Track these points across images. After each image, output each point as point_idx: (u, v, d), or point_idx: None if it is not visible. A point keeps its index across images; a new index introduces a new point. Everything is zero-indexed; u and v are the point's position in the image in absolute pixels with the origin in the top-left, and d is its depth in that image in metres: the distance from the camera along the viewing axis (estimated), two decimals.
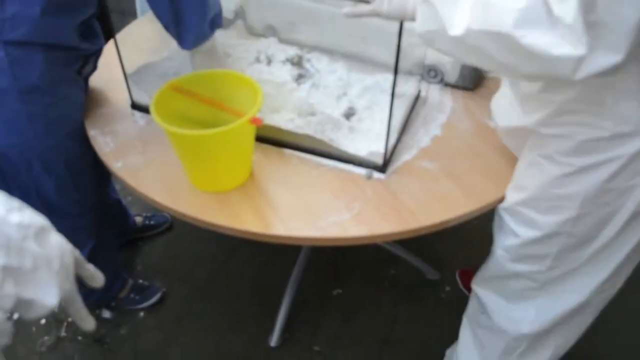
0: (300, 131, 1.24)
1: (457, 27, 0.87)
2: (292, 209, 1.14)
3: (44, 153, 1.29)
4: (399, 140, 1.29)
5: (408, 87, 1.38)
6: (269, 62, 1.35)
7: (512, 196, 1.14)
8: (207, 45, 1.28)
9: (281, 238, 1.11)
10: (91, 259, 0.71)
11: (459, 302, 1.96)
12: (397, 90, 1.35)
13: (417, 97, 1.42)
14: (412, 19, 0.96)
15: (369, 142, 1.22)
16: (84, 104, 1.40)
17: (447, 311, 1.95)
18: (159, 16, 1.23)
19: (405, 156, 1.26)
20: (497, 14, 0.82)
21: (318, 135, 1.23)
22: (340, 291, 1.99)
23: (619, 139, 0.94)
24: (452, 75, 1.45)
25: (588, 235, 1.08)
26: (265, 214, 1.13)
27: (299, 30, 1.60)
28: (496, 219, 1.23)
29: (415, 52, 1.37)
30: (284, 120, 1.26)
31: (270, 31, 1.63)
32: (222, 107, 1.18)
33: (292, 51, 1.37)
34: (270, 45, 1.42)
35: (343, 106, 1.27)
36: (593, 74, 0.80)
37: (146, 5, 1.27)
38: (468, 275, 1.87)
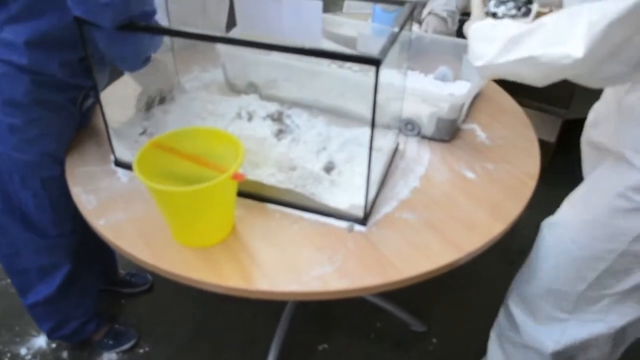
0: (282, 186, 1.25)
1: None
2: (275, 264, 1.15)
3: (20, 167, 1.38)
4: (379, 192, 1.31)
5: (386, 140, 1.41)
6: (250, 118, 1.38)
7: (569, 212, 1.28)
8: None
9: (264, 293, 1.11)
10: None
11: (446, 354, 1.95)
12: (375, 144, 1.38)
13: (395, 150, 1.45)
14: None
15: (349, 196, 1.24)
16: (70, 134, 1.46)
17: None
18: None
19: (385, 208, 1.28)
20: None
21: (299, 190, 1.25)
22: (326, 346, 1.97)
23: None
24: (429, 129, 1.48)
25: (629, 269, 1.20)
26: (248, 269, 1.14)
27: (280, 86, 1.64)
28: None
29: (392, 106, 1.42)
30: (266, 175, 1.28)
31: (251, 88, 1.67)
32: (205, 163, 1.20)
33: (273, 107, 1.41)
34: (251, 101, 1.46)
35: (323, 160, 1.30)
36: None
37: None
38: None
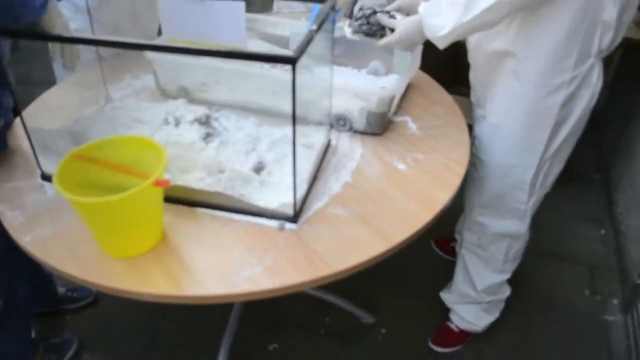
0: (211, 189, 1.24)
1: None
2: (205, 268, 1.14)
3: None
4: (310, 189, 1.31)
5: (318, 137, 1.42)
6: (177, 123, 1.36)
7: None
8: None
9: (194, 298, 1.09)
10: None
11: (394, 344, 1.98)
12: (305, 140, 1.39)
13: (327, 146, 1.45)
14: (422, 37, 1.35)
15: (279, 195, 1.24)
16: None
17: (385, 353, 1.95)
18: None
19: (317, 204, 1.28)
20: None
21: (228, 192, 1.24)
22: (276, 345, 1.97)
23: None
24: (360, 123, 1.49)
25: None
26: (177, 275, 1.12)
27: (211, 90, 1.63)
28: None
29: (322, 103, 1.42)
30: (195, 180, 1.27)
31: (183, 93, 1.65)
32: (130, 171, 1.18)
33: (201, 111, 1.39)
34: (179, 106, 1.44)
35: (252, 161, 1.29)
36: None
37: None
38: (445, 241, 2.33)
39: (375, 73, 1.70)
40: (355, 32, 1.45)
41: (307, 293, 2.04)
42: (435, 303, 2.03)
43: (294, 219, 1.22)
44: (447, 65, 2.07)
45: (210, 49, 1.04)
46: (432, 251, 2.37)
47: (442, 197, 1.31)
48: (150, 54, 1.60)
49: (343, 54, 1.71)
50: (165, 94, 1.68)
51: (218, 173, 1.28)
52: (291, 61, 0.98)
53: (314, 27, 1.10)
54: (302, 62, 1.60)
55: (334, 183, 1.34)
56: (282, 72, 1.58)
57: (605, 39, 1.33)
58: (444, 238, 2.30)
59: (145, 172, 1.15)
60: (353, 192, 1.32)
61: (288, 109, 1.52)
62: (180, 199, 1.28)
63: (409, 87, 1.75)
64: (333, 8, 1.25)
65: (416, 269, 2.28)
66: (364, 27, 1.42)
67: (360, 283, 2.16)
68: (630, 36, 2.24)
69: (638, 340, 1.91)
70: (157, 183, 1.07)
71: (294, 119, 1.07)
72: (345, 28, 1.46)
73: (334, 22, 1.31)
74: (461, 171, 1.39)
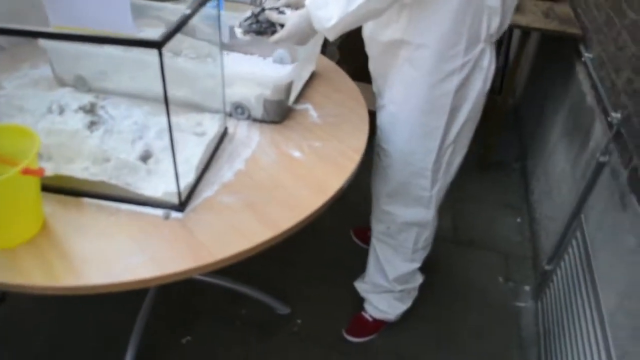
0: (95, 178, 1.21)
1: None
2: (85, 259, 1.10)
3: None
4: (201, 177, 1.29)
5: (212, 125, 1.40)
6: (62, 111, 1.32)
7: None
8: None
9: (69, 289, 1.06)
10: None
11: (310, 333, 1.98)
12: (198, 129, 1.37)
13: (224, 134, 1.43)
14: (313, 30, 1.34)
15: (166, 184, 1.21)
16: None
17: (300, 343, 1.95)
18: None
19: (206, 193, 1.26)
20: None
21: (113, 181, 1.21)
22: (189, 338, 1.94)
23: None
24: (257, 111, 1.48)
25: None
26: (55, 266, 1.09)
27: (110, 79, 1.58)
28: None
29: (221, 90, 1.40)
30: (79, 169, 1.23)
31: (80, 82, 1.60)
32: (3, 160, 1.13)
33: (86, 99, 1.35)
34: (64, 94, 1.39)
35: (138, 149, 1.26)
36: None
37: None
38: (362, 232, 2.31)
39: (281, 61, 1.69)
40: (246, 31, 1.43)
41: (222, 285, 2.02)
42: (352, 292, 2.04)
43: (180, 207, 1.20)
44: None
45: (72, 33, 1.01)
46: (350, 241, 2.39)
47: (335, 183, 1.31)
48: (43, 42, 1.55)
49: (249, 43, 1.69)
50: (62, 84, 1.62)
51: (104, 162, 1.24)
52: (156, 45, 0.96)
53: (188, 11, 1.07)
54: (183, 48, 1.57)
55: (226, 171, 1.32)
56: (171, 59, 1.56)
57: (492, 24, 1.35)
58: (362, 228, 2.31)
59: (20, 161, 1.11)
60: (245, 180, 1.31)
61: (178, 96, 1.50)
62: (65, 189, 1.24)
63: (313, 75, 1.74)
64: None
65: (334, 259, 2.29)
66: (254, 26, 1.41)
67: (277, 272, 2.17)
68: (544, 27, 2.29)
69: (546, 325, 1.97)
70: (27, 171, 1.03)
71: (167, 106, 1.05)
72: (235, 28, 1.44)
73: (219, 8, 1.29)
74: (357, 158, 1.39)
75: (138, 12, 1.74)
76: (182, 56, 1.65)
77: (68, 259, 1.10)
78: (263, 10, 1.40)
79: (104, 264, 1.09)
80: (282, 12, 1.39)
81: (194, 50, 1.67)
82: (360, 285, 2.01)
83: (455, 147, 1.57)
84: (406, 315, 1.99)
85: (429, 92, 1.44)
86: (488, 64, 1.43)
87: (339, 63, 2.92)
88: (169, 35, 0.99)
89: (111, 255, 1.11)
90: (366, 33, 1.53)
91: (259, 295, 2.03)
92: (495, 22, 1.36)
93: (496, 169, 2.91)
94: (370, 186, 1.79)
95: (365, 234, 2.31)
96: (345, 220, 2.43)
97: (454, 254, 2.37)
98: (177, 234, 1.16)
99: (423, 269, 1.90)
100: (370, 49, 1.56)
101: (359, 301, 2.03)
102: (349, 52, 2.64)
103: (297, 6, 1.43)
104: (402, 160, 1.59)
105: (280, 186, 1.30)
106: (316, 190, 1.29)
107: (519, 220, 2.58)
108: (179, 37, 1.66)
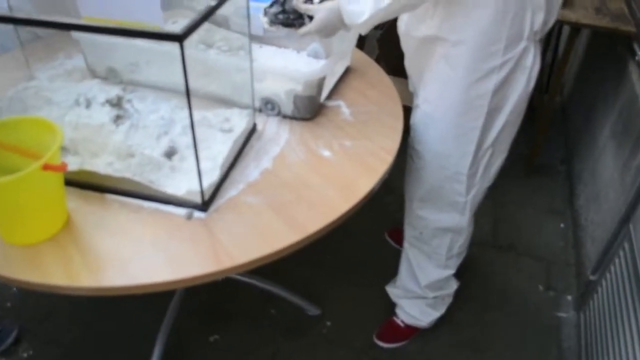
0: (118, 174, 1.18)
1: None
2: (106, 258, 1.08)
3: None
4: (226, 175, 1.25)
5: (240, 121, 1.36)
6: (89, 104, 1.29)
7: None
8: None
9: (88, 290, 1.03)
10: None
11: (339, 336, 1.93)
12: (226, 125, 1.33)
13: (252, 131, 1.39)
14: (343, 23, 1.28)
15: (190, 181, 1.17)
16: None
17: (329, 345, 1.91)
18: None
19: (231, 192, 1.22)
20: None
21: (136, 178, 1.18)
22: (217, 337, 1.91)
23: None
24: (288, 107, 1.43)
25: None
26: (75, 265, 1.06)
27: (141, 71, 1.56)
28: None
29: (251, 85, 1.36)
30: (103, 165, 1.21)
31: (112, 73, 1.58)
32: (28, 154, 1.11)
33: (113, 92, 1.32)
34: (92, 87, 1.37)
35: (163, 145, 1.23)
36: None
37: None
38: (397, 233, 2.14)
39: (316, 55, 1.63)
40: (272, 22, 1.37)
41: (252, 283, 1.99)
42: (384, 296, 1.98)
43: (203, 207, 1.16)
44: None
45: (91, 25, 0.98)
46: (384, 243, 2.32)
47: (364, 185, 1.25)
48: (75, 33, 1.53)
49: (284, 36, 1.64)
50: (95, 75, 1.62)
51: (128, 157, 1.21)
52: (178, 39, 0.92)
53: (213, 2, 1.03)
54: (215, 40, 1.52)
55: (252, 170, 1.28)
56: (202, 52, 1.53)
57: (537, 20, 1.27)
58: (397, 229, 2.24)
59: (42, 154, 1.09)
60: (272, 180, 1.26)
61: (207, 90, 1.46)
62: (89, 184, 1.22)
63: (348, 71, 1.68)
64: None
65: (367, 261, 2.22)
66: (281, 17, 1.35)
67: (308, 273, 2.12)
68: (595, 23, 2.17)
69: (589, 338, 1.86)
70: (47, 167, 1.00)
71: (189, 101, 1.01)
72: (261, 18, 1.38)
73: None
74: (389, 158, 1.33)
75: (171, 2, 1.72)
76: (215, 48, 1.62)
77: (88, 259, 1.08)
78: None
79: (123, 264, 1.07)
80: (309, 0, 1.33)
81: (226, 42, 1.63)
82: (391, 290, 1.94)
83: (494, 151, 1.49)
84: (440, 321, 1.92)
85: (465, 92, 1.36)
86: (532, 64, 1.34)
87: (379, 58, 2.87)
88: (191, 29, 0.95)
89: (131, 255, 1.08)
90: (401, 29, 1.46)
91: (288, 295, 1.98)
92: (540, 18, 1.27)
93: (541, 171, 2.79)
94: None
95: (399, 235, 2.23)
96: (379, 222, 2.36)
97: (493, 258, 2.27)
98: (199, 235, 1.12)
99: (459, 273, 1.83)
100: (406, 45, 1.49)
101: (391, 305, 1.96)
102: (388, 46, 2.56)
103: None
104: (435, 163, 1.51)
105: (308, 187, 1.25)
106: (345, 192, 1.23)
107: (562, 225, 2.47)
108: (211, 28, 1.65)
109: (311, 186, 1.25)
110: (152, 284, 1.04)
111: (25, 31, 1.72)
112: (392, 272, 1.97)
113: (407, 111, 1.55)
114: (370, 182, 1.26)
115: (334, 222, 1.17)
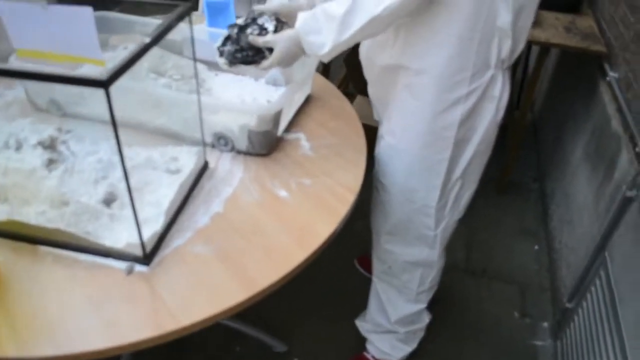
0: (51, 225, 1.07)
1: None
2: (32, 322, 0.96)
3: None
4: (173, 222, 1.15)
5: (189, 160, 1.26)
6: (19, 146, 1.18)
7: None
8: None
9: None
10: None
11: None
12: (172, 165, 1.23)
13: (203, 169, 1.29)
14: (303, 52, 1.20)
15: (130, 232, 1.07)
16: None
17: None
18: None
19: (177, 241, 1.12)
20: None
21: (71, 229, 1.07)
22: None
23: None
24: (242, 143, 1.34)
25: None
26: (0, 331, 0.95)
27: (87, 103, 1.45)
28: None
29: (200, 120, 1.26)
30: (35, 214, 1.10)
31: (54, 106, 1.47)
32: None
33: (47, 132, 1.21)
34: (25, 126, 1.26)
35: (101, 192, 1.12)
36: None
37: None
38: (367, 260, 2.02)
39: (275, 83, 1.55)
40: (231, 63, 1.26)
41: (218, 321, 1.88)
42: (354, 329, 1.89)
43: (145, 260, 1.06)
44: None
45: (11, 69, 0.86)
46: (354, 271, 2.23)
47: (323, 230, 1.15)
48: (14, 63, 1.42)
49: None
50: (36, 108, 1.50)
51: (62, 206, 1.10)
52: (103, 85, 0.82)
53: (147, 39, 0.93)
54: (167, 68, 1.42)
55: (202, 215, 1.18)
56: (152, 81, 1.43)
57: (504, 48, 1.19)
58: (367, 256, 2.15)
59: None
60: (222, 225, 1.16)
61: (154, 124, 1.36)
62: (20, 235, 1.11)
63: (308, 99, 1.59)
64: (186, 14, 1.07)
65: (336, 291, 2.13)
66: (239, 56, 1.24)
67: (273, 307, 2.01)
68: (565, 43, 2.11)
69: None
70: None
71: (120, 147, 0.90)
72: (217, 58, 1.27)
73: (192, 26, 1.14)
74: (351, 198, 1.24)
75: (124, 27, 1.61)
76: (167, 77, 1.52)
77: (13, 323, 0.96)
78: (240, 29, 1.24)
79: (51, 329, 0.96)
80: (263, 28, 1.24)
81: (178, 70, 1.53)
82: (361, 324, 1.85)
83: (463, 183, 1.41)
84: (411, 355, 1.83)
85: (431, 123, 1.28)
86: (500, 92, 1.26)
87: (345, 79, 2.78)
88: (117, 73, 0.84)
89: (62, 318, 0.97)
90: (363, 54, 1.38)
91: (253, 331, 1.88)
92: (507, 46, 1.19)
93: (513, 190, 2.73)
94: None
95: (369, 262, 2.15)
96: (350, 249, 2.26)
97: (466, 285, 2.20)
98: (140, 292, 1.02)
99: (431, 303, 1.74)
100: (368, 72, 1.41)
101: (361, 339, 1.87)
102: (356, 67, 2.48)
103: (288, 15, 1.29)
104: (401, 197, 1.43)
105: (262, 232, 1.15)
106: (302, 238, 1.14)
107: (536, 247, 2.40)
108: (164, 54, 1.55)
109: (265, 232, 1.15)
110: (85, 353, 0.93)
111: None
112: (362, 303, 1.88)
113: (373, 130, 1.47)
114: (329, 226, 1.17)
115: (288, 275, 1.08)
